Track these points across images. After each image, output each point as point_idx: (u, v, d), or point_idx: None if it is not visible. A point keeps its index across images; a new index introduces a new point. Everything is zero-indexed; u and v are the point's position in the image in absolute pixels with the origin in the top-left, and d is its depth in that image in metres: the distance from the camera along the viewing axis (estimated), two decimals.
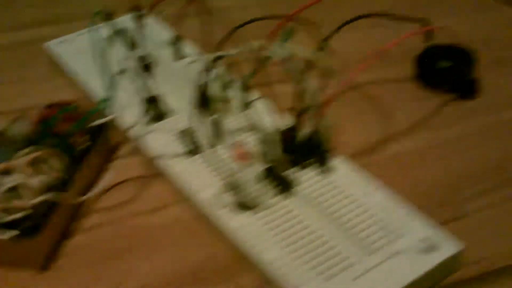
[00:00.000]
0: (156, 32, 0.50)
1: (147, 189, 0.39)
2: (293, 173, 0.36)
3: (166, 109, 0.42)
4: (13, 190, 0.34)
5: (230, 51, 0.35)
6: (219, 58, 0.35)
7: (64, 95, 0.45)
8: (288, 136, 0.36)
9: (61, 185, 0.35)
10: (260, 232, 0.33)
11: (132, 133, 0.41)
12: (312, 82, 0.33)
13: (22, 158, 0.35)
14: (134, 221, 0.37)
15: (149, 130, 0.40)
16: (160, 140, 0.40)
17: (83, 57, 0.47)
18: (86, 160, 0.38)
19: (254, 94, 0.42)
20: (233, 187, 0.34)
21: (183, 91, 0.42)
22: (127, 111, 0.41)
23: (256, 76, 0.40)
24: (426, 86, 0.46)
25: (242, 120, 0.39)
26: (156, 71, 0.42)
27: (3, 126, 0.38)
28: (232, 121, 0.39)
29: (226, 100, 0.38)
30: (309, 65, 0.33)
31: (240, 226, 0.33)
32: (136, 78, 0.40)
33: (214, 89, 0.37)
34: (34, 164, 0.35)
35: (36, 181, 0.34)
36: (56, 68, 0.50)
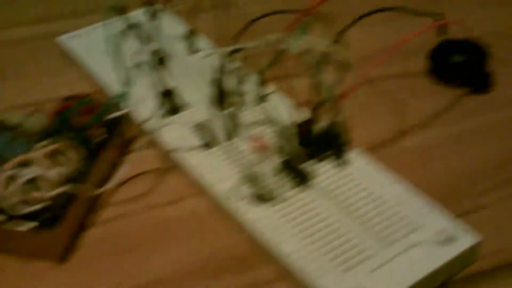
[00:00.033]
0: (170, 26, 0.50)
1: (163, 182, 0.39)
2: (310, 166, 0.36)
3: (181, 103, 0.42)
4: (32, 182, 0.34)
5: (248, 44, 0.35)
6: (236, 51, 0.35)
7: (77, 88, 0.45)
8: (304, 129, 0.36)
9: (78, 178, 0.36)
10: (278, 225, 0.33)
11: (147, 126, 0.41)
12: (329, 75, 0.33)
13: (40, 150, 0.35)
14: (150, 214, 0.37)
15: (165, 123, 0.41)
16: (176, 133, 0.40)
17: (96, 51, 0.48)
18: (103, 153, 0.38)
19: (270, 88, 0.42)
20: (250, 179, 0.34)
21: (198, 84, 0.42)
22: (142, 105, 0.41)
23: (272, 70, 0.40)
24: (439, 80, 0.46)
25: (258, 113, 0.40)
26: (171, 65, 0.42)
27: (19, 120, 0.39)
28: (248, 114, 0.39)
29: (242, 94, 0.39)
30: (325, 58, 0.33)
31: (258, 218, 0.33)
32: (151, 72, 0.40)
33: (230, 83, 0.37)
34: (52, 156, 0.35)
35: (54, 173, 0.35)
36: (68, 62, 0.50)
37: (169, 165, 0.39)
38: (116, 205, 0.37)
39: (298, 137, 0.35)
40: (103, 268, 0.34)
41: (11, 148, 0.37)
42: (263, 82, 0.41)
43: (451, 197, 0.36)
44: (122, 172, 0.38)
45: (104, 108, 0.39)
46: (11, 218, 0.33)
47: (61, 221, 0.33)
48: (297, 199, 0.34)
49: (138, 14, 0.44)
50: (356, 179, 0.35)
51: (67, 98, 0.41)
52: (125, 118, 0.40)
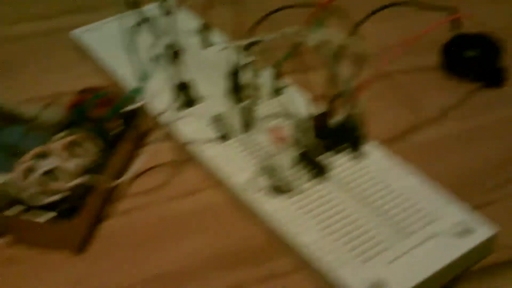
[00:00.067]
0: (184, 20, 0.50)
1: (179, 174, 0.39)
2: (327, 158, 0.36)
3: (197, 95, 0.42)
4: (50, 173, 0.34)
5: (264, 37, 0.35)
6: (252, 44, 0.35)
7: (91, 81, 0.45)
8: (320, 122, 0.36)
9: (95, 169, 0.36)
10: (295, 216, 0.33)
11: (163, 119, 0.41)
12: (346, 68, 0.33)
13: (58, 142, 0.35)
14: (166, 206, 0.37)
15: (180, 116, 0.41)
16: (191, 126, 0.40)
17: (110, 45, 0.48)
18: (120, 144, 0.38)
19: (287, 81, 0.42)
20: (268, 171, 0.35)
21: (213, 78, 0.42)
22: (157, 98, 0.41)
23: (289, 63, 0.40)
24: (452, 75, 0.46)
25: (274, 106, 0.40)
26: (185, 58, 0.42)
27: (35, 112, 0.39)
28: (264, 107, 0.39)
29: (258, 86, 0.39)
30: (342, 51, 0.33)
31: (275, 209, 0.34)
32: (167, 65, 0.41)
33: (246, 75, 0.37)
34: (70, 148, 0.35)
35: (72, 164, 0.35)
36: (82, 55, 0.50)
37: (185, 157, 0.40)
38: (133, 197, 0.38)
39: (314, 130, 0.36)
40: (120, 259, 0.34)
41: (27, 140, 0.37)
42: (279, 75, 0.41)
43: (467, 190, 0.36)
44: (138, 164, 0.38)
45: (121, 100, 0.39)
46: (30, 208, 0.34)
47: (79, 212, 0.33)
48: (314, 191, 0.35)
49: (152, 8, 0.44)
50: (373, 171, 0.36)
51: (82, 91, 0.41)
52: (141, 111, 0.41)
